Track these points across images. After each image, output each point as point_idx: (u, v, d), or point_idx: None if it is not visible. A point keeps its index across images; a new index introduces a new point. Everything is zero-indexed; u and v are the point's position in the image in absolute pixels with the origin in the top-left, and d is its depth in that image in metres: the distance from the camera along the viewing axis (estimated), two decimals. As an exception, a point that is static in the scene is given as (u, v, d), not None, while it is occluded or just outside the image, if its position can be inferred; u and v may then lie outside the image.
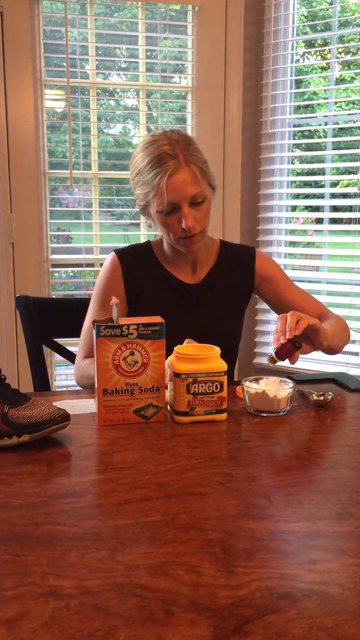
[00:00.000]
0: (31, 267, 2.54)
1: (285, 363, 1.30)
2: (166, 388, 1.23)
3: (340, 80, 3.02)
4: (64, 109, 2.57)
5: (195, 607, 0.64)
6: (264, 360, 2.68)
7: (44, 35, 2.47)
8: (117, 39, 2.63)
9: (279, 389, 1.25)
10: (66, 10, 2.41)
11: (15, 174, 2.48)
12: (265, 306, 2.62)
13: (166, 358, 1.22)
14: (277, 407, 1.24)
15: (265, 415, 1.24)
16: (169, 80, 2.61)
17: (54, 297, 2.57)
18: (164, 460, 1.02)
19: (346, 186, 2.83)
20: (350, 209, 2.51)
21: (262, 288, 1.63)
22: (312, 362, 2.46)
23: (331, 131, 2.63)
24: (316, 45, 2.91)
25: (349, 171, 2.61)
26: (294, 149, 2.79)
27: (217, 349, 1.24)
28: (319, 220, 2.80)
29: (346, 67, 2.79)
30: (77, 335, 1.60)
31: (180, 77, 2.75)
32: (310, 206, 2.99)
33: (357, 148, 2.44)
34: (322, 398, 1.32)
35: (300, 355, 1.29)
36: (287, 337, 1.26)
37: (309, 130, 2.93)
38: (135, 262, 1.55)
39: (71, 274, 2.88)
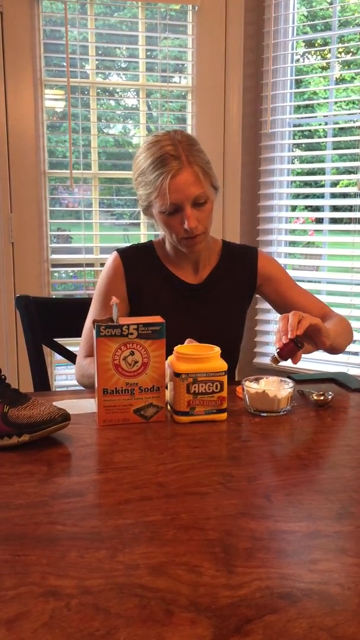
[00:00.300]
0: (31, 267, 2.54)
1: (288, 363, 1.30)
2: (166, 388, 1.23)
3: (340, 80, 3.02)
4: (64, 108, 2.57)
5: (196, 607, 0.64)
6: (264, 360, 2.68)
7: (44, 35, 2.47)
8: (117, 39, 2.63)
9: (279, 389, 1.25)
10: (66, 10, 2.41)
11: (15, 173, 2.48)
12: (266, 306, 2.65)
13: (167, 358, 1.22)
14: (277, 407, 1.24)
15: (265, 415, 1.24)
16: (169, 80, 2.61)
17: (54, 297, 2.57)
18: (164, 460, 1.02)
19: (346, 186, 2.83)
20: (350, 208, 2.51)
21: (264, 288, 1.63)
22: (312, 362, 2.46)
23: (331, 131, 2.63)
24: (316, 45, 2.91)
25: (349, 171, 2.61)
26: (294, 149, 2.79)
27: (217, 349, 1.23)
28: (319, 220, 2.80)
29: (346, 67, 2.79)
30: (77, 335, 1.60)
31: (180, 77, 2.75)
32: (310, 206, 2.99)
33: (357, 148, 2.44)
34: (322, 398, 1.32)
35: (302, 355, 1.29)
36: (289, 337, 1.26)
37: (309, 130, 2.93)
38: (137, 261, 1.55)
39: (71, 273, 2.88)
